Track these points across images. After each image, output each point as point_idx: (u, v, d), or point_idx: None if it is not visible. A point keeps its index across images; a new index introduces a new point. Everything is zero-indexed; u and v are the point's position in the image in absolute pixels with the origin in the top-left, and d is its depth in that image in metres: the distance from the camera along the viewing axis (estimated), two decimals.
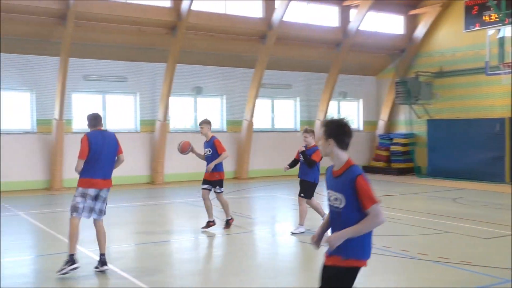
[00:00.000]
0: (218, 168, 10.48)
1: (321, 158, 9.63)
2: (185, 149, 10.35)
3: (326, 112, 23.12)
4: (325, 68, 22.89)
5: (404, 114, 24.21)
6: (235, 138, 21.63)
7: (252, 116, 21.31)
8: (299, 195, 10.06)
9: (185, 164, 19.91)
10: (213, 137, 10.49)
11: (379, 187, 18.32)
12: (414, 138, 23.54)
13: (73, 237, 7.33)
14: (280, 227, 11.40)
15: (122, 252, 9.06)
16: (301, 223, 10.01)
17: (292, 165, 10.41)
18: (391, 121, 24.93)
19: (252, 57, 21.04)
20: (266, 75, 21.32)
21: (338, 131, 3.98)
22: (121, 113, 19.86)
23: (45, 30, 17.60)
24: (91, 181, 7.34)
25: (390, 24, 23.95)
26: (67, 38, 17.19)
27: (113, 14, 18.07)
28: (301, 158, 10.00)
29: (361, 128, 25.28)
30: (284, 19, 20.56)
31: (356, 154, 24.59)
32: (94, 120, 7.67)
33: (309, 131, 10.05)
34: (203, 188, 10.52)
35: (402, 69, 23.92)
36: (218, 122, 21.53)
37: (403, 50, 24.04)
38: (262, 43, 20.92)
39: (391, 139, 23.87)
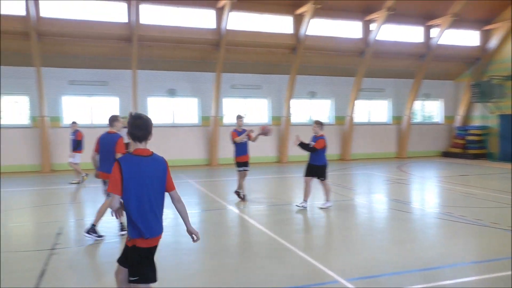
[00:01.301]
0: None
1: (324, 145, 9.26)
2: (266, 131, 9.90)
3: (410, 110, 22.09)
4: (411, 75, 21.79)
5: (478, 110, 22.37)
6: (340, 129, 21.43)
7: (352, 112, 20.92)
8: (319, 179, 9.26)
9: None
10: (321, 135, 9.43)
11: (457, 169, 17.19)
12: (487, 129, 21.61)
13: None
14: (375, 197, 11.19)
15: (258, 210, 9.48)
16: (327, 199, 9.33)
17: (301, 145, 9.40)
18: (467, 116, 23.06)
19: (352, 68, 20.64)
20: (364, 82, 20.82)
21: (130, 126, 3.52)
22: (257, 112, 20.49)
23: (205, 54, 18.66)
24: None
25: (467, 37, 22.11)
26: (220, 59, 18.10)
27: (251, 41, 18.65)
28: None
29: (442, 121, 23.71)
30: (377, 38, 19.90)
31: (436, 142, 23.28)
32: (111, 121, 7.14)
33: (317, 123, 9.39)
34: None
35: (476, 74, 22.00)
36: (328, 118, 21.57)
37: (478, 59, 22.07)
38: (361, 57, 20.42)
39: (466, 130, 22.16)
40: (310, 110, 21.40)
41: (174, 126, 18.83)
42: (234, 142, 10.26)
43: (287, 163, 19.70)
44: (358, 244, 6.66)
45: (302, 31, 18.82)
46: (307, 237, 7.16)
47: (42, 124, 16.54)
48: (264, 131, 9.91)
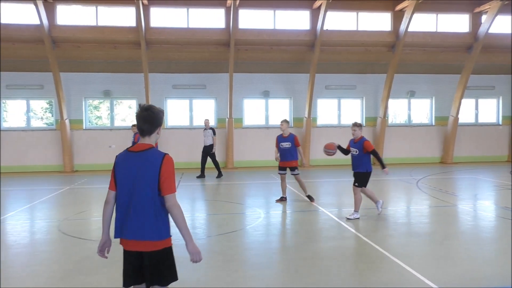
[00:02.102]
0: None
1: (372, 148, 8.24)
2: (331, 148, 8.62)
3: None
4: None
5: None
6: (442, 130, 19.97)
7: (457, 112, 19.35)
8: (353, 184, 8.34)
9: (403, 150, 19.32)
10: (362, 138, 8.44)
11: None
12: None
13: None
14: (480, 204, 10.21)
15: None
16: (356, 210, 8.29)
17: (342, 151, 8.65)
18: None
19: (458, 64, 19.10)
20: (471, 79, 19.16)
21: (137, 117, 3.20)
22: (351, 113, 19.95)
23: (299, 55, 18.67)
24: None
25: None
26: (314, 60, 17.98)
27: (347, 40, 18.23)
28: (352, 152, 8.37)
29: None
30: (489, 31, 18.15)
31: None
32: None
33: (357, 124, 8.35)
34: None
35: None
36: (428, 118, 20.31)
37: None
38: (468, 53, 18.82)
39: None
40: (409, 110, 20.28)
41: (267, 128, 19.12)
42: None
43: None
44: (460, 254, 6.12)
45: (402, 27, 17.90)
46: (403, 243, 6.76)
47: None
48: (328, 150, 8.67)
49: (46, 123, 18.59)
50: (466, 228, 7.79)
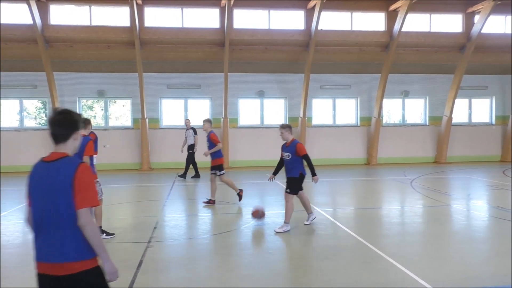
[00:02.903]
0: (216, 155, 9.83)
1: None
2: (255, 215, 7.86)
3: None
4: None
5: None
6: (435, 130, 20.09)
7: (451, 112, 19.46)
8: (285, 191, 7.51)
9: (397, 149, 19.44)
10: (294, 140, 7.60)
11: None
12: None
13: None
14: (473, 204, 10.27)
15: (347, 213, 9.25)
16: (286, 221, 7.42)
17: (279, 167, 7.76)
18: None
19: (451, 65, 19.22)
20: (464, 79, 19.27)
21: (48, 122, 2.82)
22: (345, 112, 20.02)
23: (294, 55, 18.69)
24: None
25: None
26: (309, 60, 18.00)
27: (341, 40, 18.29)
28: (284, 156, 7.50)
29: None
30: (482, 31, 18.27)
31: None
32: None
33: (285, 126, 7.51)
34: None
35: None
36: (422, 118, 20.42)
37: None
38: (461, 53, 18.94)
39: None
40: (403, 110, 20.38)
41: (262, 127, 19.13)
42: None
43: (376, 165, 18.96)
44: (454, 253, 6.15)
45: (395, 27, 17.98)
46: (397, 242, 6.78)
47: (143, 126, 17.82)
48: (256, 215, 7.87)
49: (40, 123, 18.47)
50: (460, 228, 7.83)
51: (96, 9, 17.44)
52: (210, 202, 9.93)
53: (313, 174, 7.37)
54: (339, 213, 8.95)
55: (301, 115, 18.70)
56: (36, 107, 18.69)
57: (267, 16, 18.30)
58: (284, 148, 7.51)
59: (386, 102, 19.69)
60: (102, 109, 18.79)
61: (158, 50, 17.77)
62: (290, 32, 18.12)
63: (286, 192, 7.42)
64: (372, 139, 19.25)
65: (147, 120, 17.91)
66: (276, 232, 7.22)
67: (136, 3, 16.63)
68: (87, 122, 7.30)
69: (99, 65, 17.86)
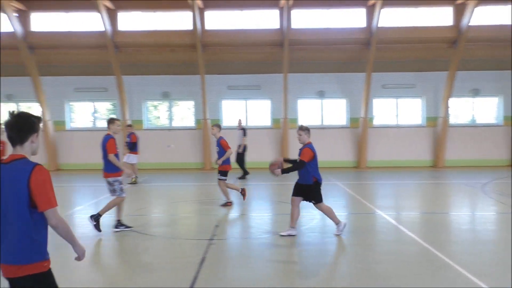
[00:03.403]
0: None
1: (311, 156, 6.82)
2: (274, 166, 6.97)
3: None
4: None
5: None
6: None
7: None
8: (311, 202, 7.09)
9: (467, 151, 18.43)
10: (307, 144, 7.10)
11: None
12: None
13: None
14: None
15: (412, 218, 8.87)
16: (336, 222, 7.12)
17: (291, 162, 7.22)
18: None
19: None
20: None
21: (4, 125, 2.79)
22: (409, 112, 19.24)
23: (354, 54, 18.28)
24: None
25: None
26: (370, 58, 17.53)
27: (405, 37, 17.60)
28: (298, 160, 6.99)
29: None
30: None
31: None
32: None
33: (303, 128, 7.08)
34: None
35: None
36: (495, 118, 19.09)
37: None
38: None
39: None
40: (473, 109, 19.20)
41: (322, 128, 18.90)
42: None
43: (443, 168, 18.02)
44: None
45: (464, 21, 16.99)
46: (467, 250, 6.40)
47: (205, 126, 18.28)
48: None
49: None
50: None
51: (161, 15, 18.17)
52: (228, 204, 9.81)
53: (283, 171, 6.68)
54: (403, 217, 8.62)
55: (363, 115, 18.25)
56: (107, 109, 19.83)
57: (326, 15, 18.07)
58: (299, 151, 7.05)
59: (453, 101, 18.65)
60: (167, 110, 19.55)
61: (219, 52, 18.17)
62: (350, 30, 17.76)
63: (312, 203, 7.02)
64: (439, 140, 18.33)
65: (208, 120, 18.36)
66: (281, 236, 6.96)
67: (198, 7, 17.11)
68: (110, 122, 7.64)
69: (164, 68, 18.59)
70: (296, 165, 6.80)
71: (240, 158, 15.20)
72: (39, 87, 17.80)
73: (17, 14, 17.11)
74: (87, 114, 19.49)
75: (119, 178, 7.28)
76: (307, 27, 17.86)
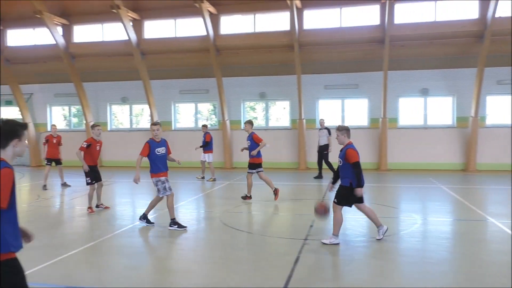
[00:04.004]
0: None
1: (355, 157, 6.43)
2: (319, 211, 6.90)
3: None
4: None
5: None
6: None
7: None
8: (333, 200, 6.69)
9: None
10: (348, 144, 6.78)
11: None
12: None
13: None
14: None
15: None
16: (334, 233, 6.62)
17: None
18: None
19: None
20: None
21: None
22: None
23: (464, 48, 16.89)
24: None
25: None
26: (483, 52, 16.05)
27: None
28: (338, 163, 6.70)
29: None
30: None
31: None
32: None
33: (340, 129, 6.72)
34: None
35: None
36: None
37: None
38: None
39: None
40: None
41: (425, 128, 17.78)
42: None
43: (473, 171, 15.80)
44: None
45: None
46: None
47: (300, 126, 18.29)
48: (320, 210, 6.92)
49: (211, 124, 20.58)
50: None
51: (260, 17, 18.60)
52: (247, 198, 10.47)
53: (357, 185, 6.42)
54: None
55: (473, 114, 16.77)
56: (208, 110, 20.87)
57: (433, 7, 16.94)
58: (339, 152, 6.75)
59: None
60: (263, 110, 19.96)
61: (315, 51, 18.06)
62: (460, 22, 16.43)
63: (334, 202, 6.68)
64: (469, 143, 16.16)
65: (304, 120, 18.34)
66: (323, 244, 6.58)
67: (296, 7, 17.18)
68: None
69: (261, 69, 19.00)
70: (355, 170, 6.42)
71: (322, 158, 14.96)
72: (149, 90, 19.37)
73: (131, 23, 18.80)
74: (190, 115, 20.70)
75: (161, 178, 7.64)
76: (410, 21, 16.93)
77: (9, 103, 21.92)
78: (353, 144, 6.66)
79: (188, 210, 9.75)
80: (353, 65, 18.09)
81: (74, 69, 19.97)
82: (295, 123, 18.85)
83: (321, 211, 6.80)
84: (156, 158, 7.72)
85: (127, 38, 18.64)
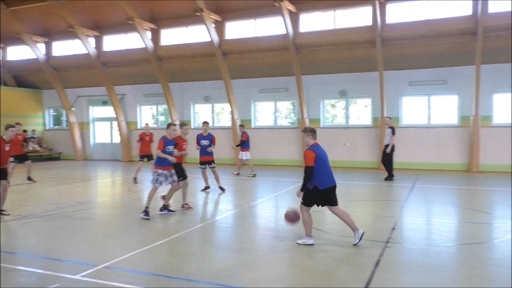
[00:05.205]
0: None
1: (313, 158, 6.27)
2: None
3: None
4: None
5: None
6: None
7: None
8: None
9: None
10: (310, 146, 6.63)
11: None
12: None
13: None
14: None
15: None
16: (307, 234, 6.59)
17: None
18: None
19: None
20: None
21: None
22: None
23: None
24: None
25: None
26: None
27: None
28: None
29: None
30: None
31: None
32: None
33: (305, 130, 6.55)
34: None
35: None
36: None
37: None
38: None
39: None
40: None
41: None
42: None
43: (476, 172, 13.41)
44: None
45: None
46: None
47: (382, 124, 17.61)
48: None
49: (290, 122, 20.62)
50: None
51: (340, 13, 18.22)
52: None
53: (301, 188, 6.44)
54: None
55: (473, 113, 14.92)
56: (287, 108, 20.94)
57: None
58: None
59: None
60: (343, 108, 19.56)
61: (399, 46, 17.25)
62: None
63: (301, 203, 6.63)
64: None
65: (386, 118, 17.64)
66: (297, 244, 6.55)
67: (379, 1, 16.56)
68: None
69: (341, 66, 18.61)
70: (304, 173, 6.33)
71: (388, 158, 14.22)
72: (230, 89, 19.91)
73: (213, 25, 19.46)
74: (269, 113, 20.92)
75: (160, 171, 8.64)
76: (505, 10, 15.48)
77: (105, 103, 23.88)
78: (320, 145, 6.50)
79: (267, 207, 9.87)
80: (440, 60, 17.01)
81: (162, 71, 21.17)
82: (376, 122, 18.21)
83: (291, 217, 6.74)
84: (165, 154, 8.65)
85: (209, 39, 19.32)
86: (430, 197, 11.33)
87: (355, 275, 5.27)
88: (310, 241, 6.52)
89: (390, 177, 14.19)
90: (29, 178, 14.27)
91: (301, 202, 6.58)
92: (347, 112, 19.34)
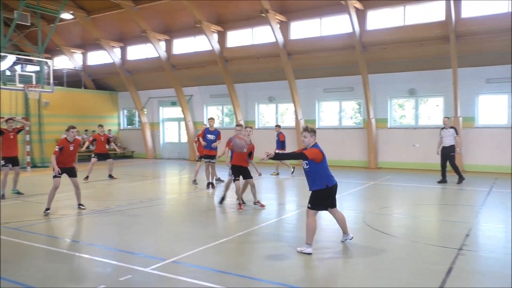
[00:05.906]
0: None
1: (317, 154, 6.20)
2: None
3: None
4: None
5: None
6: None
7: None
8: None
9: None
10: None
11: None
12: None
13: None
14: None
15: None
16: (307, 242, 6.19)
17: None
18: None
19: None
20: None
21: None
22: None
23: None
24: None
25: None
26: None
27: None
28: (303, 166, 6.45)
29: None
30: None
31: None
32: None
33: (306, 129, 6.33)
34: None
35: None
36: None
37: None
38: None
39: None
40: None
41: None
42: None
43: None
44: None
45: None
46: None
47: (456, 124, 16.67)
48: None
49: (355, 122, 20.15)
50: None
51: (410, 8, 17.48)
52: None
53: (277, 155, 6.46)
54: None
55: None
56: (352, 108, 20.48)
57: None
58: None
59: None
60: (412, 108, 18.75)
61: (475, 42, 16.19)
62: None
63: (308, 207, 6.30)
64: None
65: (460, 118, 16.67)
66: (297, 251, 6.20)
67: None
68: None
69: (410, 64, 17.86)
70: (295, 156, 6.36)
71: (446, 160, 13.36)
72: (295, 89, 19.87)
73: (278, 26, 19.53)
74: (334, 113, 20.59)
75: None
76: None
77: (174, 104, 24.90)
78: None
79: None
80: None
81: (227, 72, 21.63)
82: (449, 122, 17.19)
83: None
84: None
85: (274, 40, 19.42)
86: (504, 203, 10.52)
87: (424, 282, 5.04)
88: (309, 250, 6.09)
89: (461, 179, 13.43)
90: (110, 176, 15.17)
91: (309, 206, 6.28)
92: (417, 112, 18.51)
